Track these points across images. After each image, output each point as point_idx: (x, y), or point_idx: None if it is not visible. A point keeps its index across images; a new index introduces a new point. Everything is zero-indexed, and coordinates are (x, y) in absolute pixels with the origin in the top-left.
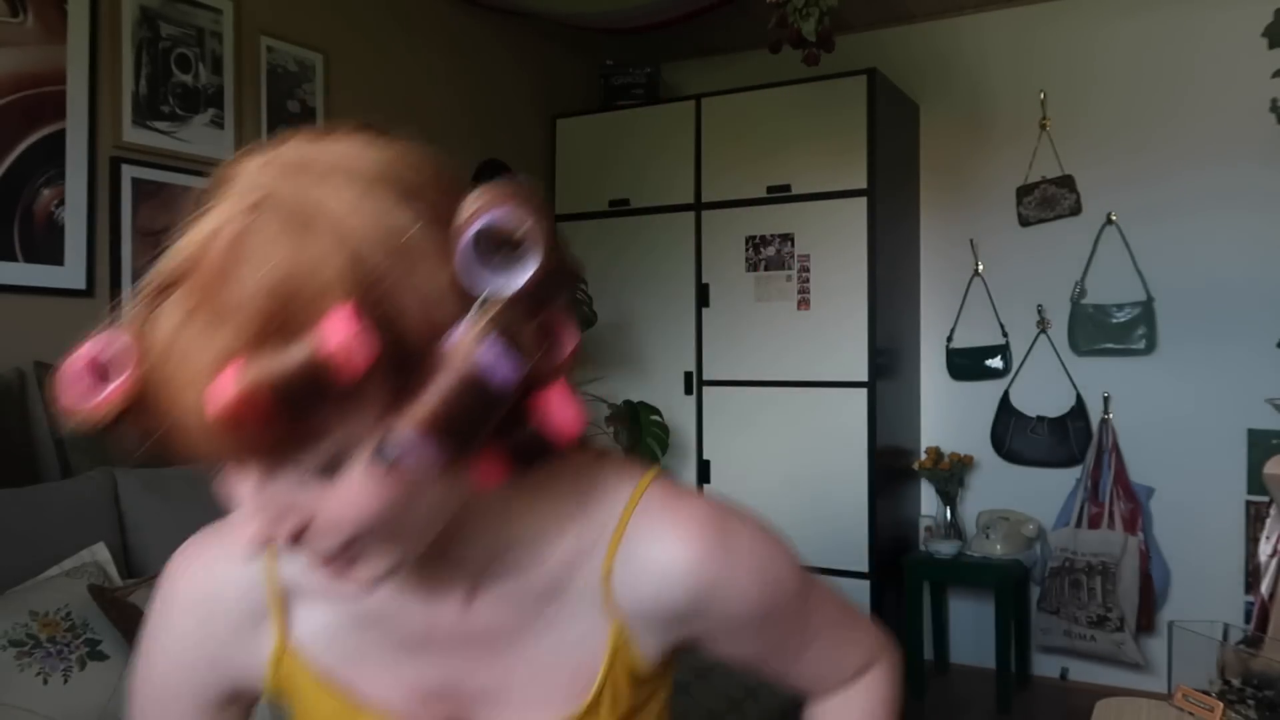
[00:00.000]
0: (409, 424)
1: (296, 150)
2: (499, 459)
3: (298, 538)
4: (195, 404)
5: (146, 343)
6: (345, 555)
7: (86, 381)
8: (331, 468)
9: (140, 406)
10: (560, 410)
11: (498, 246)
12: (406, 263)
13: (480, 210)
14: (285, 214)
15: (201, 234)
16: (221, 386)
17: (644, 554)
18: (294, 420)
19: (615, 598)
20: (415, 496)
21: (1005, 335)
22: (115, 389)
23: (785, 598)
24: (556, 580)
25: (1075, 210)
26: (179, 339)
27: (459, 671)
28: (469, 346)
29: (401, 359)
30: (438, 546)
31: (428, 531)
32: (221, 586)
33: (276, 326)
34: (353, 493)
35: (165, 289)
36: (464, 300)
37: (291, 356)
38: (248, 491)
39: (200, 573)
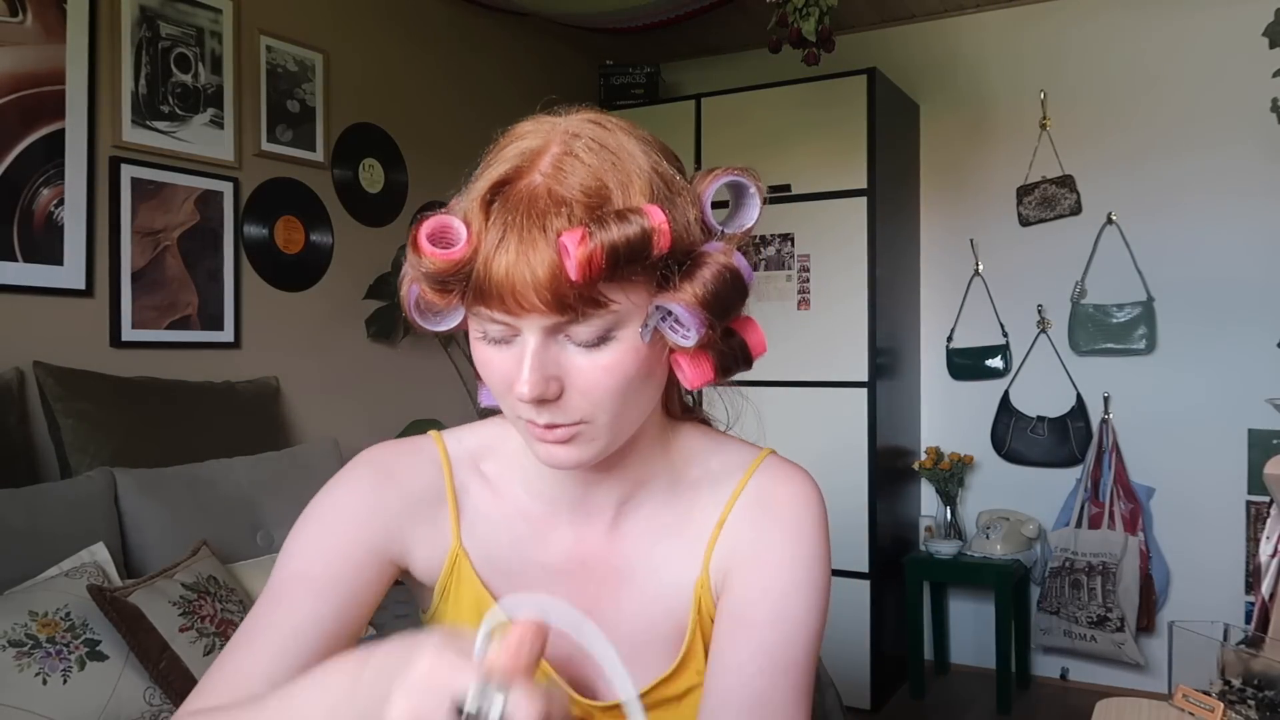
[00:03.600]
0: (686, 296)
1: (587, 115)
2: (710, 362)
3: (556, 398)
4: (537, 261)
5: (479, 224)
6: (572, 429)
7: (440, 239)
8: (601, 340)
9: (470, 267)
10: (755, 332)
11: (736, 196)
12: (674, 195)
13: (720, 174)
14: (597, 143)
15: (524, 149)
16: (572, 244)
17: (766, 485)
18: (613, 275)
19: (718, 545)
20: (644, 382)
21: (1005, 335)
22: (460, 249)
23: (805, 607)
24: (679, 518)
25: (1075, 210)
26: (525, 215)
27: (586, 600)
28: (726, 249)
29: (675, 254)
30: (606, 462)
31: (633, 424)
32: (406, 468)
33: (601, 209)
34: (612, 359)
35: (499, 186)
36: (705, 232)
37: (631, 226)
38: (530, 351)
39: (388, 456)
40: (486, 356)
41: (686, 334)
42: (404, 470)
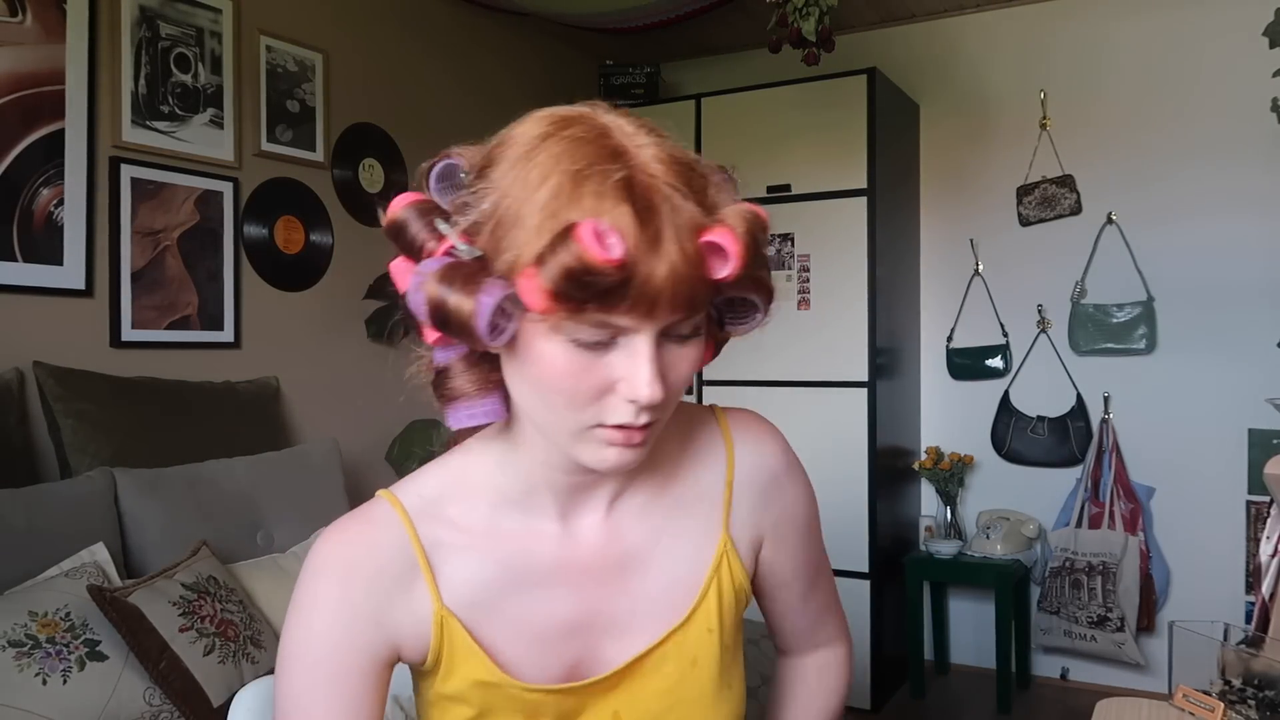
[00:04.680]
0: (765, 291)
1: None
2: (713, 342)
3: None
4: (688, 263)
5: (630, 227)
6: (653, 422)
7: (602, 243)
8: (694, 333)
9: (633, 264)
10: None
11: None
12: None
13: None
14: (671, 141)
15: (607, 147)
16: (729, 244)
17: (750, 448)
18: (753, 266)
19: (733, 505)
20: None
21: (1005, 335)
22: (622, 251)
23: (815, 507)
24: (686, 488)
25: (1075, 210)
26: (669, 218)
27: (592, 604)
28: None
29: None
30: None
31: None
32: (373, 550)
33: (715, 209)
34: (696, 351)
35: (627, 183)
36: None
37: (759, 221)
38: (650, 354)
39: (352, 543)
40: (577, 365)
41: (749, 320)
42: (366, 555)
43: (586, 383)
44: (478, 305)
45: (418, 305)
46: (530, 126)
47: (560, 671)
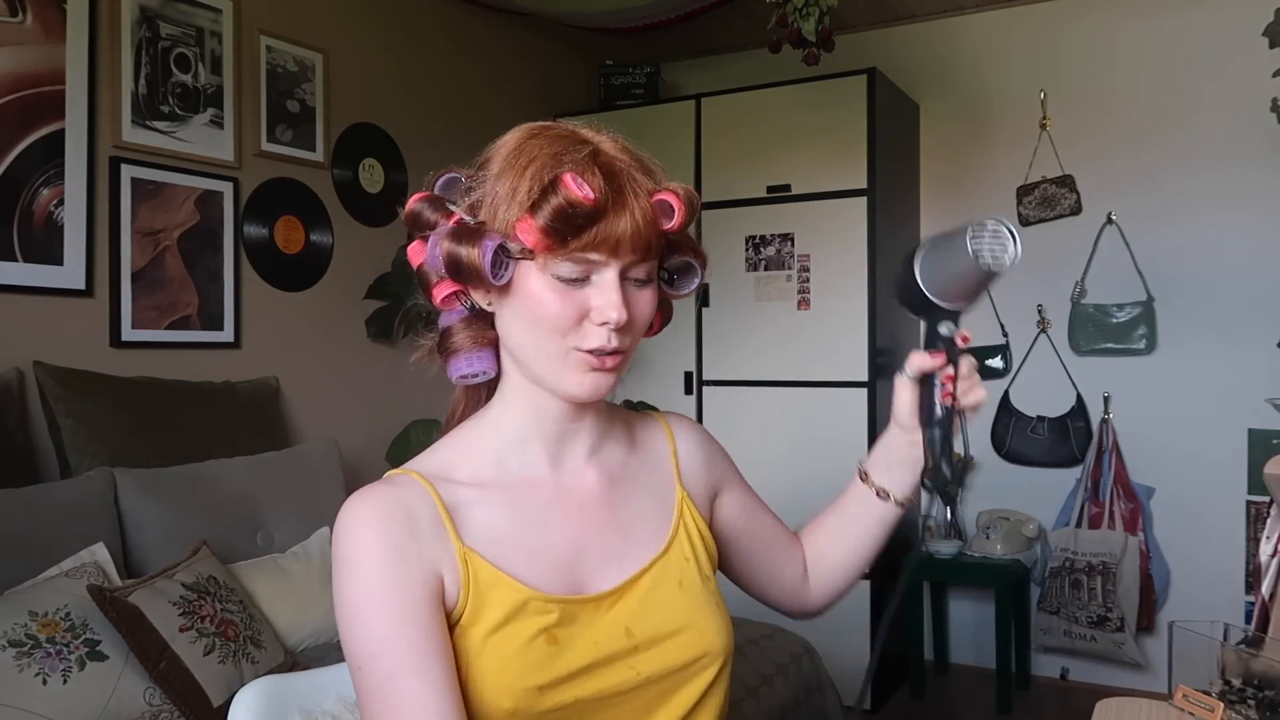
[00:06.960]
0: (700, 256)
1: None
2: (660, 317)
3: (627, 324)
4: (640, 214)
5: (597, 182)
6: (618, 354)
7: (582, 187)
8: (647, 281)
9: (593, 213)
10: (671, 305)
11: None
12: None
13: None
14: (625, 139)
15: (576, 136)
16: (675, 203)
17: (684, 431)
18: (685, 228)
19: (681, 469)
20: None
21: (1005, 335)
22: (595, 196)
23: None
24: (645, 455)
25: (1075, 210)
26: (628, 179)
27: (587, 533)
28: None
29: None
30: (580, 412)
31: (627, 363)
32: (402, 501)
33: (660, 182)
34: (651, 295)
35: (594, 155)
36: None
37: (698, 197)
38: (617, 285)
39: (381, 497)
40: (560, 296)
41: (691, 282)
42: (397, 505)
43: (568, 311)
44: (481, 249)
45: (435, 261)
46: (515, 133)
47: (572, 590)
